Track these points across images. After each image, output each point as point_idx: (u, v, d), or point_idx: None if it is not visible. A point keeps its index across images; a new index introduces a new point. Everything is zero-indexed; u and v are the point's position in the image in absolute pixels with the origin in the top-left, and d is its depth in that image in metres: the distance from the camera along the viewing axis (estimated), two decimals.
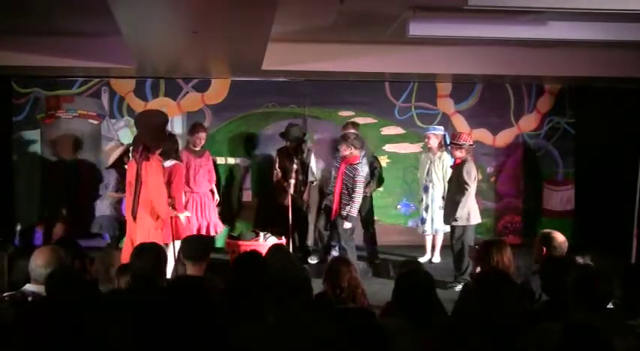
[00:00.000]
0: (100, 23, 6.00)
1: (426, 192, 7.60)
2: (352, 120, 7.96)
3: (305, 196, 7.77)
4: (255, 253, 3.70)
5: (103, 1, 4.60)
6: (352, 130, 7.45)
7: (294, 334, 2.79)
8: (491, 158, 9.02)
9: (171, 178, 6.22)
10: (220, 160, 8.47)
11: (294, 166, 7.58)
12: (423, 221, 7.66)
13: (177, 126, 8.47)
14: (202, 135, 7.49)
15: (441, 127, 7.78)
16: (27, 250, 4.29)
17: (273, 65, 7.16)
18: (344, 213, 7.01)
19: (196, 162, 7.41)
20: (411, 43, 6.76)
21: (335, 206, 7.09)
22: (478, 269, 4.45)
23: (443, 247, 7.60)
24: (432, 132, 7.61)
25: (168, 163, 6.26)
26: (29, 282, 3.60)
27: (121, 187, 6.96)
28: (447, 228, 7.16)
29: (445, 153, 7.44)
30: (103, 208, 7.23)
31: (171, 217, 5.95)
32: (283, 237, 7.31)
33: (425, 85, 8.81)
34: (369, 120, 8.64)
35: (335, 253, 7.29)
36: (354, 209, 7.02)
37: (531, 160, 9.08)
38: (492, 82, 8.72)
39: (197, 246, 4.18)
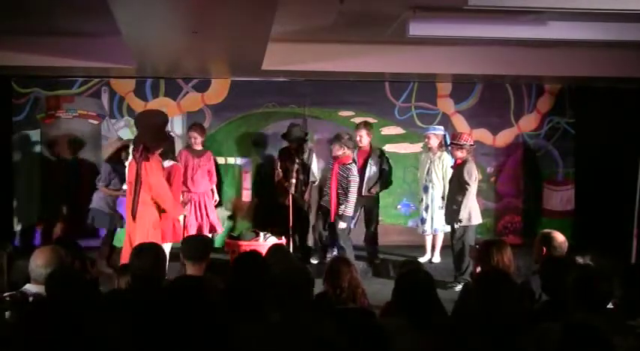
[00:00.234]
0: (100, 23, 6.00)
1: (426, 192, 7.59)
2: (364, 120, 7.94)
3: (306, 196, 7.77)
4: (255, 253, 3.70)
5: (103, 1, 4.60)
6: (364, 131, 7.49)
7: (294, 334, 2.78)
8: (491, 158, 9.02)
9: (170, 178, 6.23)
10: (220, 160, 8.47)
11: (295, 166, 7.59)
12: (423, 221, 7.66)
13: (177, 126, 8.48)
14: (193, 134, 7.48)
15: (442, 127, 7.79)
16: (27, 250, 4.29)
17: (273, 65, 7.16)
18: (339, 212, 7.04)
19: (194, 162, 7.42)
20: (411, 43, 6.76)
21: (333, 207, 7.10)
22: (478, 269, 4.45)
23: (443, 247, 7.60)
24: (433, 132, 7.61)
25: (167, 164, 6.27)
26: (29, 282, 3.60)
27: (113, 182, 6.94)
28: (447, 228, 7.16)
29: (445, 153, 7.44)
30: (95, 200, 7.16)
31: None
32: (283, 237, 7.32)
33: (425, 85, 8.81)
34: (369, 120, 8.62)
35: (334, 252, 7.29)
36: (348, 209, 7.04)
37: (531, 160, 9.08)
38: (492, 82, 8.72)
39: (197, 246, 4.19)
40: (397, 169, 8.60)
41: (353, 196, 7.04)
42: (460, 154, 6.82)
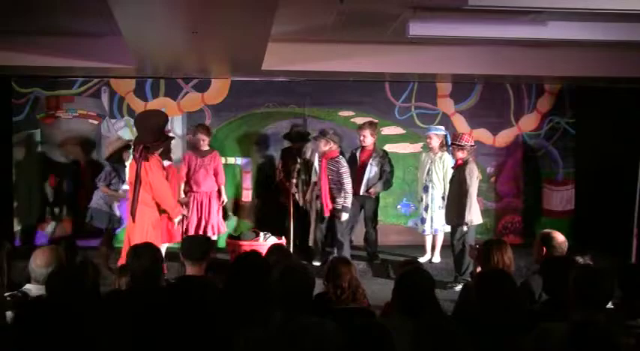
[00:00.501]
0: (100, 23, 6.00)
1: (426, 192, 7.59)
2: (369, 120, 7.92)
3: (307, 196, 7.77)
4: (255, 253, 3.70)
5: (103, 1, 4.60)
6: (368, 131, 7.48)
7: (294, 334, 2.78)
8: (491, 158, 9.02)
9: (167, 178, 6.23)
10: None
11: (297, 166, 7.59)
12: (423, 221, 7.66)
13: (177, 126, 8.48)
14: (202, 136, 7.49)
15: (443, 127, 7.78)
16: (27, 250, 4.29)
17: (273, 65, 7.16)
18: (338, 206, 7.03)
19: (197, 162, 7.43)
20: (411, 43, 6.75)
21: (325, 201, 7.08)
22: (478, 269, 4.45)
23: (443, 247, 7.59)
24: (434, 132, 7.60)
25: (165, 164, 6.27)
26: (29, 282, 3.60)
27: (113, 181, 6.94)
28: (447, 228, 7.17)
29: (446, 153, 7.43)
30: (95, 199, 7.15)
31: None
32: (283, 237, 7.31)
33: (425, 85, 8.81)
34: (373, 120, 8.65)
35: (334, 253, 7.30)
36: (348, 200, 7.05)
37: (531, 160, 9.08)
38: (492, 82, 8.72)
39: (197, 246, 4.18)
40: (397, 169, 8.59)
41: (349, 186, 7.04)
42: (461, 154, 6.83)
